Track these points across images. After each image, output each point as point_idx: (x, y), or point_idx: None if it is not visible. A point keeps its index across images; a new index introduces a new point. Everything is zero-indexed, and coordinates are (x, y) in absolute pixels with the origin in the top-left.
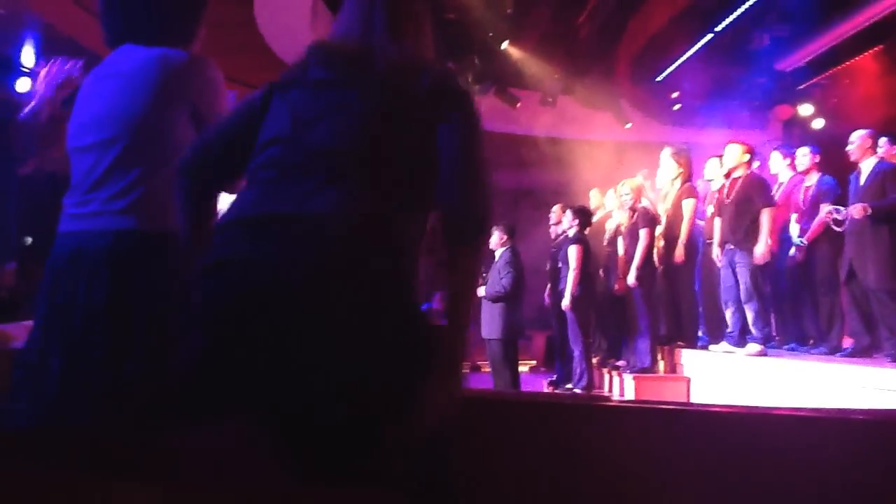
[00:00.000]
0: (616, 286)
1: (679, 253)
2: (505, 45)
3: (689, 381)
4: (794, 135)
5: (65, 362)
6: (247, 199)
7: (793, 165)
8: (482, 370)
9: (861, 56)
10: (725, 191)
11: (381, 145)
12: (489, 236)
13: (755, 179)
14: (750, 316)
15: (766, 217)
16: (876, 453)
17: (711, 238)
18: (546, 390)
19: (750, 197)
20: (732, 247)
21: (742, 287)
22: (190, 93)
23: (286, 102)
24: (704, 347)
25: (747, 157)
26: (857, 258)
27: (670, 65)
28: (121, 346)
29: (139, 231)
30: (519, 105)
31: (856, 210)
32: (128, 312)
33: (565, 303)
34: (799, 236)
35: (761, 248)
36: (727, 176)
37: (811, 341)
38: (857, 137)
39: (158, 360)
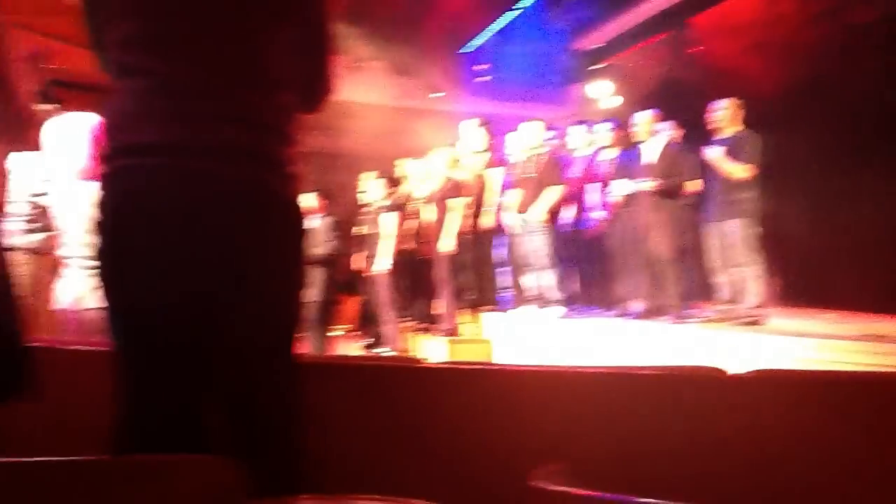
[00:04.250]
0: (424, 252)
1: (486, 221)
2: None
3: (493, 342)
4: (592, 111)
5: None
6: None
7: (594, 140)
8: None
9: (651, 40)
10: (526, 164)
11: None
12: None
13: (553, 156)
14: (549, 281)
15: (551, 192)
16: (663, 406)
17: (514, 208)
18: (360, 354)
19: (547, 171)
20: (531, 216)
21: (541, 254)
22: None
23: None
24: (508, 311)
25: (547, 133)
26: (646, 227)
27: (478, 37)
28: None
29: None
30: None
31: (645, 184)
32: None
33: (380, 268)
34: (600, 208)
35: (537, 216)
36: (530, 151)
37: (608, 304)
38: (642, 118)
39: None
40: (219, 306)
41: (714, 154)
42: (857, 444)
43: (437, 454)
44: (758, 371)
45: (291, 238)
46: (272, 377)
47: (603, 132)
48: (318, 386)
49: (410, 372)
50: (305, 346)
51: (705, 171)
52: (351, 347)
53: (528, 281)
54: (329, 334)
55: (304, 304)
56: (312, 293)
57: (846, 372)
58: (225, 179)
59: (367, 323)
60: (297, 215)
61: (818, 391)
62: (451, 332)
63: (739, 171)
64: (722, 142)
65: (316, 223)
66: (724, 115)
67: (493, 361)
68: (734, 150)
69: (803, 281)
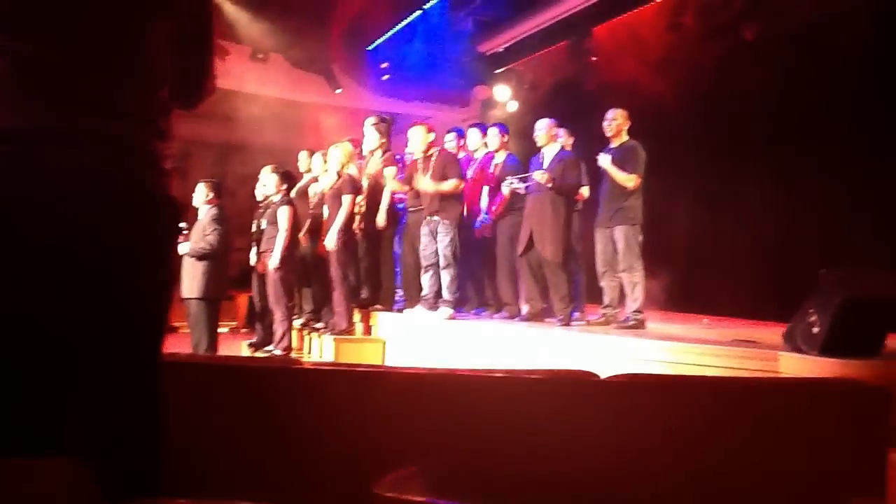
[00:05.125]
0: (318, 249)
1: (380, 219)
2: None
3: (384, 343)
4: (491, 115)
5: None
6: None
7: (487, 143)
8: (179, 331)
9: (551, 48)
10: (421, 165)
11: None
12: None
13: (447, 156)
14: (445, 281)
15: (452, 183)
16: (536, 409)
17: (413, 206)
18: (246, 353)
19: (443, 171)
20: (435, 217)
21: (441, 254)
22: None
23: None
24: (401, 311)
25: (432, 136)
26: (537, 232)
27: (381, 36)
28: None
29: None
30: (228, 58)
31: (540, 175)
32: None
33: (272, 264)
34: (486, 211)
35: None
36: (425, 152)
37: (496, 307)
38: (543, 125)
39: None
40: (71, 301)
41: (603, 162)
42: (722, 445)
43: (308, 457)
44: (627, 375)
45: (153, 232)
46: (129, 378)
47: (493, 136)
48: (190, 387)
49: (286, 374)
50: (188, 345)
51: (596, 177)
52: (237, 346)
53: (424, 280)
54: (215, 331)
55: (167, 301)
56: (194, 289)
57: (712, 377)
58: (81, 169)
59: (256, 320)
60: (161, 208)
61: (684, 394)
62: (345, 332)
63: (625, 179)
64: (610, 150)
65: (201, 215)
66: (613, 125)
67: (384, 362)
68: (621, 159)
69: (682, 287)
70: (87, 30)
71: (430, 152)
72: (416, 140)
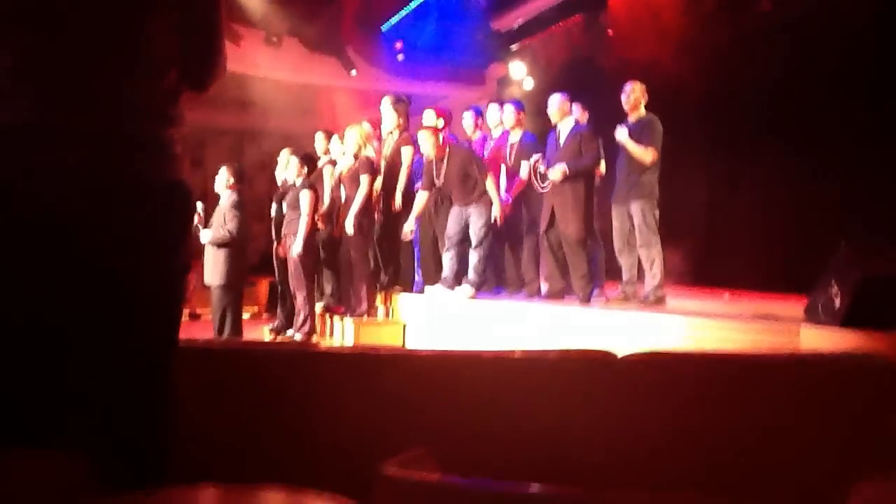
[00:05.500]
0: (336, 232)
1: (397, 202)
2: None
3: (405, 325)
4: (507, 92)
5: None
6: None
7: (503, 121)
8: (202, 318)
9: (565, 22)
10: (435, 167)
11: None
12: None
13: (464, 156)
14: (473, 261)
15: (490, 184)
16: (555, 390)
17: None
18: (268, 338)
19: (465, 171)
20: (467, 207)
21: (474, 234)
22: None
23: None
24: (420, 291)
25: (440, 138)
26: (559, 210)
27: (394, 15)
28: None
29: None
30: (242, 43)
31: (555, 172)
32: None
33: (294, 249)
34: (506, 191)
35: (497, 211)
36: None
37: (514, 285)
38: (555, 101)
39: None
40: (82, 292)
41: (621, 136)
42: (741, 421)
43: (324, 440)
44: (647, 353)
45: (163, 221)
46: (142, 367)
47: (508, 113)
48: (206, 373)
49: (302, 357)
50: (212, 331)
51: (612, 153)
52: (259, 331)
53: (446, 260)
54: (239, 317)
55: (181, 288)
56: (216, 276)
57: (731, 352)
58: (87, 161)
59: (278, 305)
60: (171, 196)
61: (703, 370)
62: (366, 314)
63: (642, 153)
64: (627, 124)
65: (223, 200)
66: (630, 98)
67: (405, 344)
68: (638, 133)
69: (702, 262)
70: (86, 25)
71: (442, 155)
72: (427, 146)
